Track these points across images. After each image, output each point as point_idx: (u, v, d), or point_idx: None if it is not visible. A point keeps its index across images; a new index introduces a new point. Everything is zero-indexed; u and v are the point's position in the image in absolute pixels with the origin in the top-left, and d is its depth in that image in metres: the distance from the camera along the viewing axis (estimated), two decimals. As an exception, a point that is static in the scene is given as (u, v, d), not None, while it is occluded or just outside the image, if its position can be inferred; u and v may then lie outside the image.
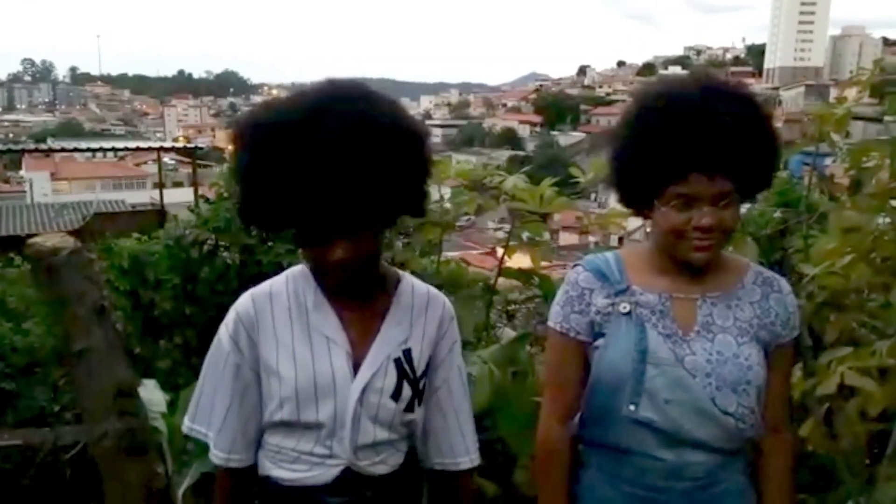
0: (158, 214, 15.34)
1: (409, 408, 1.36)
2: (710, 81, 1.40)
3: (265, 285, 1.38)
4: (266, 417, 1.36)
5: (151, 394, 2.27)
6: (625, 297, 1.43)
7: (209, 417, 1.37)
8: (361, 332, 1.34)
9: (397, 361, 1.34)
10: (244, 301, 1.36)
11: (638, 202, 1.44)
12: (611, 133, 1.47)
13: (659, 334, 1.40)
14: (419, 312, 1.39)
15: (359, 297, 1.35)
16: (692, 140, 1.30)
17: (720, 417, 1.37)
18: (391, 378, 1.33)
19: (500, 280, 2.57)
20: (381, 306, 1.37)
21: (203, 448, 2.33)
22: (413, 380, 1.35)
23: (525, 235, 2.34)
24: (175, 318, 3.54)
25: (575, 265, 1.53)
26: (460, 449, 1.43)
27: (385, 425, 1.34)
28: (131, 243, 3.67)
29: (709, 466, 1.41)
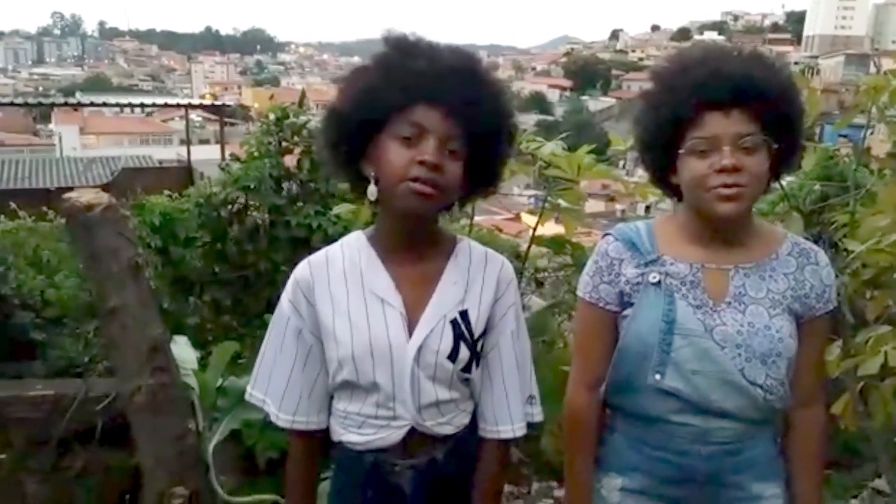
0: (185, 171, 15.46)
1: (467, 369, 1.36)
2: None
3: (321, 252, 1.40)
4: (331, 380, 1.37)
5: (182, 350, 2.30)
6: (655, 268, 1.41)
7: (267, 384, 1.39)
8: (416, 293, 1.33)
9: (454, 322, 1.33)
10: (302, 267, 1.38)
11: (661, 163, 1.42)
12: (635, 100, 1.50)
13: (688, 305, 1.38)
14: (476, 273, 1.38)
15: (414, 253, 1.35)
16: (700, 77, 1.31)
17: (748, 389, 1.36)
18: (447, 339, 1.32)
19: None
20: (436, 267, 1.36)
21: (233, 405, 2.38)
22: (470, 341, 1.35)
23: (561, 203, 2.29)
24: (205, 275, 3.57)
25: (605, 235, 1.51)
26: (503, 417, 1.41)
27: (444, 384, 1.35)
28: (162, 200, 3.69)
29: (736, 433, 1.40)
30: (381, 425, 1.35)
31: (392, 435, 1.34)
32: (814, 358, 1.46)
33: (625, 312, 1.44)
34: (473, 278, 1.37)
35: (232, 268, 3.52)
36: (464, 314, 1.34)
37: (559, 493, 3.36)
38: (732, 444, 1.41)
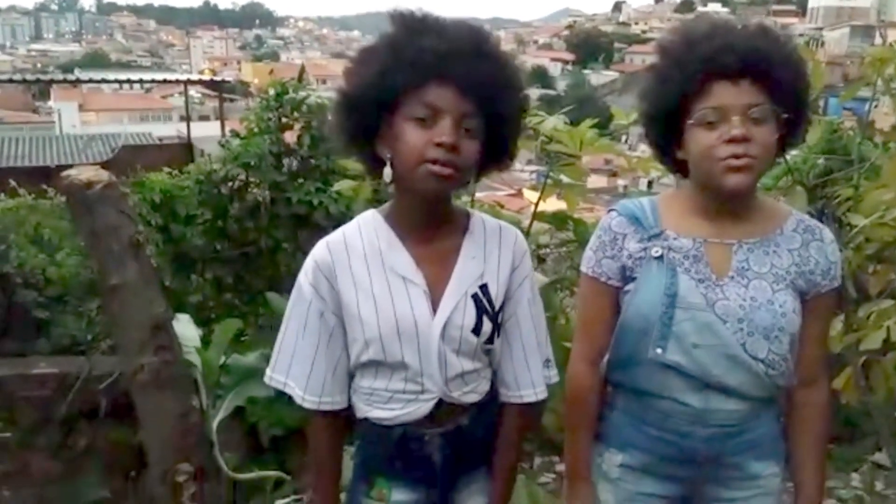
0: (185, 148, 15.40)
1: (490, 340, 1.38)
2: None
3: (338, 233, 1.39)
4: (353, 359, 1.38)
5: (185, 328, 2.29)
6: (657, 242, 1.41)
7: (288, 367, 1.39)
8: (437, 270, 1.35)
9: (475, 297, 1.35)
10: (320, 248, 1.37)
11: (666, 138, 1.41)
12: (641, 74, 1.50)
13: (691, 279, 1.38)
14: (492, 246, 1.39)
15: (431, 231, 1.36)
16: (709, 48, 1.30)
17: (750, 363, 1.36)
18: (471, 314, 1.34)
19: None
20: (453, 243, 1.37)
21: (236, 382, 2.39)
22: (492, 314, 1.37)
23: (563, 178, 2.27)
24: (206, 253, 3.57)
25: (609, 210, 1.51)
26: (525, 381, 1.43)
27: (469, 356, 1.37)
28: (162, 178, 3.67)
29: (737, 414, 1.40)
30: (408, 399, 1.37)
31: (420, 408, 1.37)
32: (818, 336, 1.46)
33: (626, 287, 1.44)
34: (490, 252, 1.38)
35: (233, 245, 3.52)
36: (484, 288, 1.36)
37: (561, 467, 3.39)
38: (733, 427, 1.41)
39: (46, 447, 2.84)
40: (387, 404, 1.38)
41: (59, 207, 4.13)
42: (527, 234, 2.58)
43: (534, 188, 2.49)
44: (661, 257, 1.40)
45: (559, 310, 2.73)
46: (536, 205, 2.37)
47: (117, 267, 1.96)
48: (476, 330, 1.35)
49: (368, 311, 1.32)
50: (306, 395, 1.38)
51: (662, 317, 1.37)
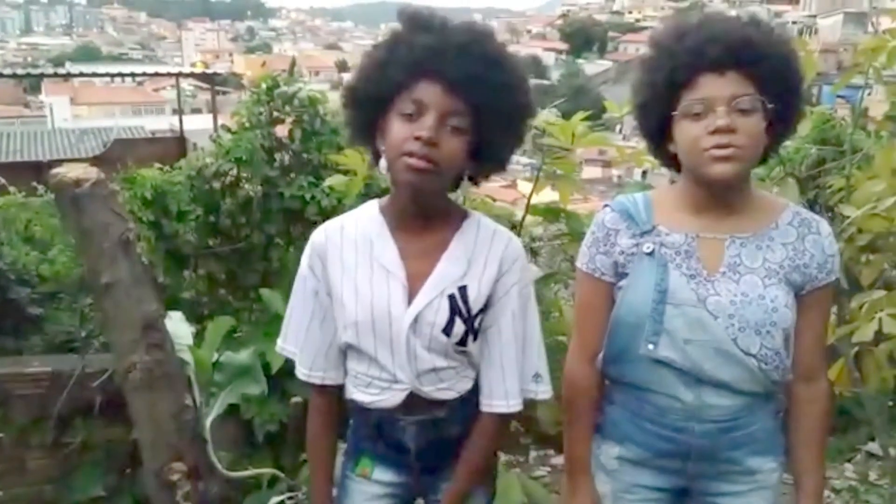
0: (178, 142, 15.33)
1: (462, 342, 1.38)
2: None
3: (337, 219, 1.45)
4: (340, 339, 1.43)
5: (177, 326, 2.27)
6: (649, 238, 1.42)
7: (296, 338, 1.48)
8: (420, 265, 1.37)
9: (451, 297, 1.36)
10: (318, 232, 1.44)
11: (658, 131, 1.41)
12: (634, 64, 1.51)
13: (682, 275, 1.38)
14: (481, 250, 1.39)
15: (421, 226, 1.38)
16: (697, 40, 1.31)
17: (742, 358, 1.36)
18: (443, 313, 1.36)
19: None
20: (441, 240, 1.39)
21: (230, 380, 2.38)
22: (466, 317, 1.37)
23: (556, 171, 2.26)
24: (199, 249, 3.55)
25: (604, 206, 1.52)
26: (499, 392, 1.42)
27: (440, 354, 1.39)
28: (153, 173, 3.65)
29: (732, 409, 1.40)
30: (383, 387, 1.40)
31: (394, 397, 1.40)
32: (816, 331, 1.45)
33: (620, 283, 1.45)
34: (477, 255, 1.38)
35: (226, 241, 3.51)
36: (462, 290, 1.36)
37: (556, 461, 3.41)
38: (728, 422, 1.41)
39: (41, 445, 2.84)
40: (367, 388, 1.42)
41: (49, 204, 4.11)
42: (520, 227, 2.57)
43: (529, 179, 2.49)
44: (652, 253, 1.40)
45: (553, 303, 2.73)
46: (529, 198, 2.36)
47: (108, 265, 1.94)
48: (447, 330, 1.35)
49: (349, 297, 1.37)
50: (301, 367, 1.46)
51: (653, 313, 1.38)
